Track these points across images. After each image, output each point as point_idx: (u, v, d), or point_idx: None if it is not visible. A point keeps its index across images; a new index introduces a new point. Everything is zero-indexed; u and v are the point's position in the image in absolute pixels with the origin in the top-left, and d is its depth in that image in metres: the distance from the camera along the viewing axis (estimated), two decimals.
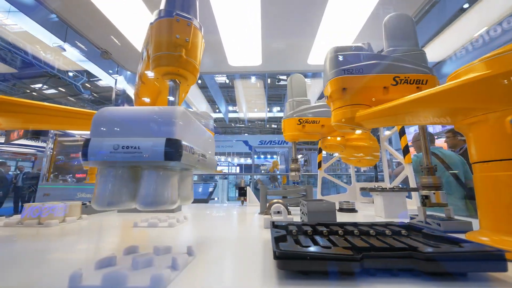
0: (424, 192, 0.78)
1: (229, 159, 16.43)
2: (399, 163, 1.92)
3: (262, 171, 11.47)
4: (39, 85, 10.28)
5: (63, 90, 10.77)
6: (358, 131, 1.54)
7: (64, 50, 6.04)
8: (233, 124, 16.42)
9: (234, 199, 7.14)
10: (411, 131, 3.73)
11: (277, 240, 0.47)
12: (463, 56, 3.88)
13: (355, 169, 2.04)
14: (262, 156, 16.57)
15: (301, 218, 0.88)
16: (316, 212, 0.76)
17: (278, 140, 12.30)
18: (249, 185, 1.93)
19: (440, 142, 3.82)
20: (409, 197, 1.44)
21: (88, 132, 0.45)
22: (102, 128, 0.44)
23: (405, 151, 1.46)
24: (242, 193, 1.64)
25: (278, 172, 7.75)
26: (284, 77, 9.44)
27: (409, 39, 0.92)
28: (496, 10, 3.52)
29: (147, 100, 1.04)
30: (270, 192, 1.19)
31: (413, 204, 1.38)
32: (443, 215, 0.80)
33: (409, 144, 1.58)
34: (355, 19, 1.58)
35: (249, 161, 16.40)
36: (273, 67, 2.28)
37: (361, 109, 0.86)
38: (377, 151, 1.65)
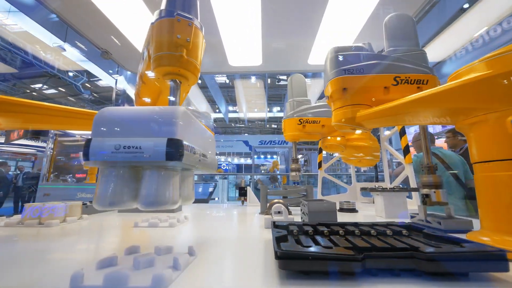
0: (425, 191, 0.78)
1: (229, 159, 16.43)
2: (399, 163, 1.92)
3: (262, 171, 11.47)
4: (39, 85, 10.28)
5: (63, 90, 10.78)
6: (359, 131, 1.54)
7: (64, 50, 6.06)
8: (233, 124, 16.43)
9: (234, 199, 7.14)
10: (412, 131, 3.73)
11: (278, 240, 0.47)
12: (463, 56, 3.89)
13: (355, 169, 2.04)
14: (262, 156, 16.57)
15: (301, 218, 0.88)
16: (317, 212, 0.76)
17: (278, 140, 12.31)
18: (249, 185, 1.93)
19: (440, 142, 3.82)
20: (410, 197, 1.44)
21: (88, 132, 0.45)
22: (103, 128, 0.44)
23: (406, 151, 1.46)
24: (242, 193, 1.64)
25: (278, 172, 7.74)
26: (284, 77, 9.45)
27: (409, 39, 0.92)
28: (496, 10, 3.52)
29: (147, 100, 1.04)
30: (270, 192, 1.19)
31: (413, 204, 1.38)
32: (443, 214, 0.80)
33: (410, 144, 1.58)
34: (355, 19, 1.58)
35: (249, 161, 16.40)
36: (273, 67, 2.27)
37: (361, 109, 0.86)
38: (378, 151, 1.65)
